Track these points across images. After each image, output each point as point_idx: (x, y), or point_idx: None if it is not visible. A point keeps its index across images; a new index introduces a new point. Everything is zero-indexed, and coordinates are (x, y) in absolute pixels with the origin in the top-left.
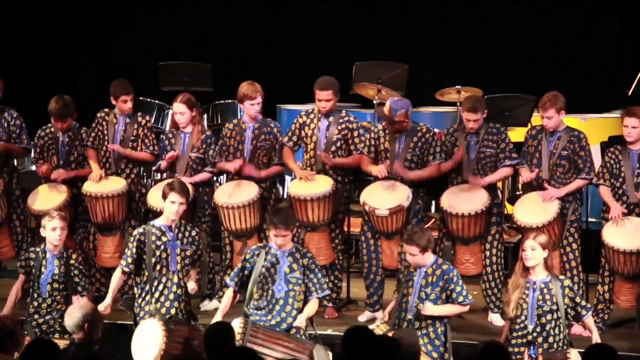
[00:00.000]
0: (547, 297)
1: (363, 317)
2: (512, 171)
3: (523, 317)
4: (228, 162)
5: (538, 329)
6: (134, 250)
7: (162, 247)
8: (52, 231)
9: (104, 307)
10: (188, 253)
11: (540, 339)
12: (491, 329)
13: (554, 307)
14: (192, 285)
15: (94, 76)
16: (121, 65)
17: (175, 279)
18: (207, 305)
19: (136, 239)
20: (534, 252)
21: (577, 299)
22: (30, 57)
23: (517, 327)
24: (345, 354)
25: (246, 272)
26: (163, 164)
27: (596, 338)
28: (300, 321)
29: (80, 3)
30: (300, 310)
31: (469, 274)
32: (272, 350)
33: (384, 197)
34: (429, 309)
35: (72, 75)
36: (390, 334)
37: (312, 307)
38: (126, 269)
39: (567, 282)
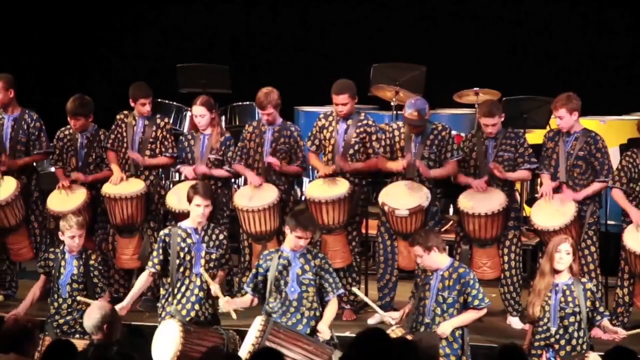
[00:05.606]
0: (570, 299)
1: (373, 320)
2: (530, 175)
3: (545, 320)
4: (249, 172)
5: (561, 332)
6: (160, 251)
7: (187, 249)
8: (71, 239)
9: (120, 307)
10: (213, 256)
11: (562, 342)
12: (510, 331)
13: (576, 310)
14: (214, 288)
15: (112, 78)
16: (140, 67)
17: (198, 282)
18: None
19: (161, 240)
20: (568, 256)
21: (597, 304)
22: (43, 61)
23: (539, 329)
24: (357, 356)
25: (260, 278)
26: (184, 170)
27: (622, 332)
28: (325, 330)
29: (97, 5)
30: (315, 311)
31: (486, 278)
32: (290, 351)
33: (403, 198)
34: (445, 330)
35: (86, 77)
36: (408, 337)
37: (332, 311)
38: (152, 270)
39: (589, 286)
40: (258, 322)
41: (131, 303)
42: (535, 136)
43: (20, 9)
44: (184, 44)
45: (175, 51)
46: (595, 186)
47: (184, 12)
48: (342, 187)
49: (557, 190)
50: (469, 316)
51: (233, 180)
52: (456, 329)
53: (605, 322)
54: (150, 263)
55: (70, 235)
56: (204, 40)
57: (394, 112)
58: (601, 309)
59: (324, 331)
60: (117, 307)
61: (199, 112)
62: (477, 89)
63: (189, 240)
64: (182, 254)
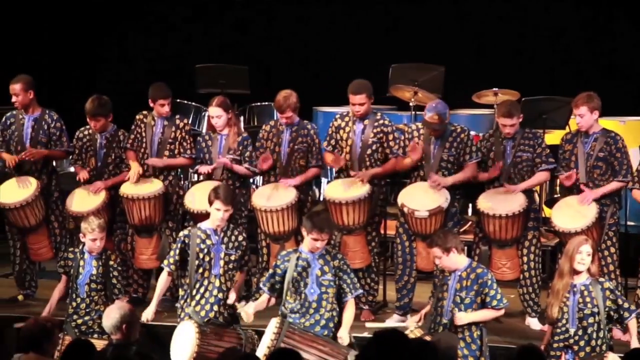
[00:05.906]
0: (588, 299)
1: (391, 321)
2: (548, 176)
3: (564, 321)
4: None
5: (580, 332)
6: (178, 251)
7: (206, 250)
8: (92, 242)
9: (149, 315)
10: (232, 258)
11: (582, 343)
12: (528, 332)
13: (595, 310)
14: (232, 297)
15: (129, 78)
16: (158, 68)
17: (217, 283)
18: (243, 307)
19: (180, 241)
20: (588, 258)
21: (619, 301)
22: (52, 60)
23: (558, 330)
24: (374, 356)
25: (277, 278)
26: (201, 169)
27: (634, 343)
28: (345, 336)
29: (114, 6)
30: (333, 312)
31: (505, 279)
32: (306, 353)
33: (422, 199)
34: (462, 318)
35: (98, 77)
36: (427, 338)
37: (350, 315)
38: (168, 269)
39: (608, 285)
40: (273, 324)
41: (157, 306)
42: (554, 137)
43: (31, 11)
44: (203, 44)
45: (194, 52)
46: (613, 185)
47: (204, 13)
48: (361, 187)
49: (579, 191)
50: (487, 314)
51: (251, 180)
52: (475, 330)
53: (632, 322)
54: (166, 262)
55: (92, 238)
56: (223, 41)
57: (413, 112)
58: (626, 305)
59: (345, 337)
60: (146, 313)
61: (215, 113)
62: (496, 89)
63: (208, 242)
64: (201, 255)
